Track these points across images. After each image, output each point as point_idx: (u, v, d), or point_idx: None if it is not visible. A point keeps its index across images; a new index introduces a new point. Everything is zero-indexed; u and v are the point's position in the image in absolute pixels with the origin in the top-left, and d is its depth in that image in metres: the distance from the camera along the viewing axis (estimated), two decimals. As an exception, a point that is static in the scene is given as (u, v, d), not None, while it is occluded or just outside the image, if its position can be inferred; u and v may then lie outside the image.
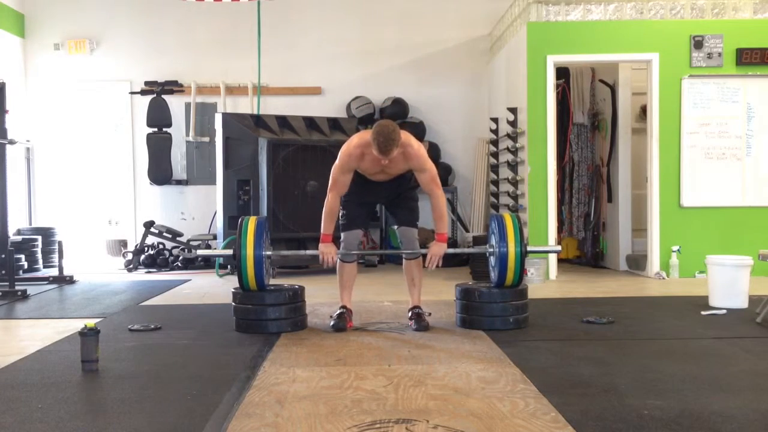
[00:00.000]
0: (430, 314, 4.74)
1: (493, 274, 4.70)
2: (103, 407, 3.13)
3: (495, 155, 8.61)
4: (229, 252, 4.61)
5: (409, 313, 4.72)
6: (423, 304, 4.78)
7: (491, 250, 4.70)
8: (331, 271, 5.01)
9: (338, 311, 4.67)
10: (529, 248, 4.69)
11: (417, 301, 4.73)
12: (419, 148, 4.48)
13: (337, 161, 4.54)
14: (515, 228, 4.51)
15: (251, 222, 4.54)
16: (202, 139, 9.45)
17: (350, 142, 4.51)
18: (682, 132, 7.19)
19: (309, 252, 4.99)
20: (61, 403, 3.10)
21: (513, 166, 7.69)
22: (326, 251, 4.55)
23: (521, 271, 4.53)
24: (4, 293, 6.21)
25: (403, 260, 4.81)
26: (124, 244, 9.19)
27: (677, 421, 2.72)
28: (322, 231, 4.55)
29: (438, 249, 4.56)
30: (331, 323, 4.60)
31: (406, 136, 4.39)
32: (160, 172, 9.22)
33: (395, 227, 4.83)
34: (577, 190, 8.25)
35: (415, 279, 4.75)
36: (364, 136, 4.44)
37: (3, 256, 6.54)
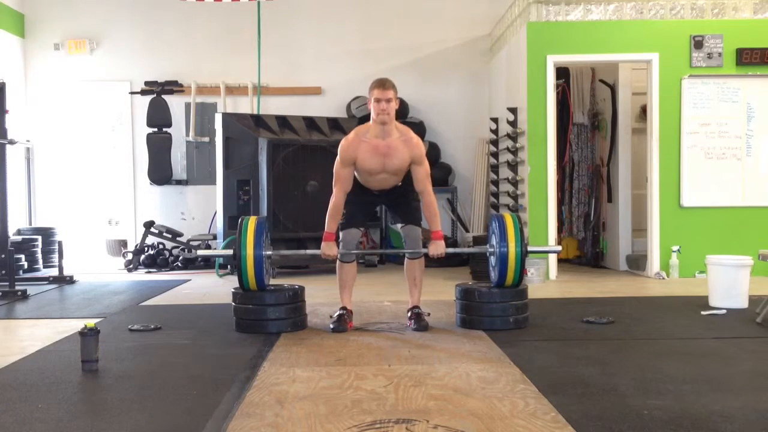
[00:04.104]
0: (429, 314, 4.74)
1: (494, 274, 4.71)
2: (103, 407, 3.13)
3: (495, 155, 8.61)
4: (229, 252, 4.62)
5: (409, 313, 4.72)
6: (423, 304, 4.78)
7: (491, 249, 4.71)
8: (331, 270, 5.01)
9: (338, 312, 4.66)
10: (529, 248, 4.70)
11: (417, 301, 4.73)
12: (419, 141, 4.56)
13: (337, 158, 4.56)
14: (516, 228, 4.52)
15: (251, 222, 4.54)
16: (202, 139, 9.44)
17: (347, 136, 4.61)
18: (682, 132, 7.19)
19: (309, 252, 4.99)
20: (61, 403, 3.10)
21: (513, 166, 7.68)
22: (328, 252, 4.57)
23: (521, 271, 4.54)
24: (4, 293, 6.21)
25: (406, 259, 4.80)
26: (124, 244, 9.19)
27: (677, 421, 2.72)
28: (325, 229, 4.56)
29: (437, 248, 4.58)
30: (331, 326, 4.59)
31: (406, 128, 4.56)
32: (160, 172, 9.22)
33: (399, 226, 4.80)
34: (577, 190, 8.25)
35: (416, 279, 4.74)
36: (359, 128, 4.58)
37: (3, 256, 6.53)
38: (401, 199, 4.74)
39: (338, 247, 4.64)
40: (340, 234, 4.70)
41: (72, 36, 9.43)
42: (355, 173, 4.61)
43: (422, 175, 4.53)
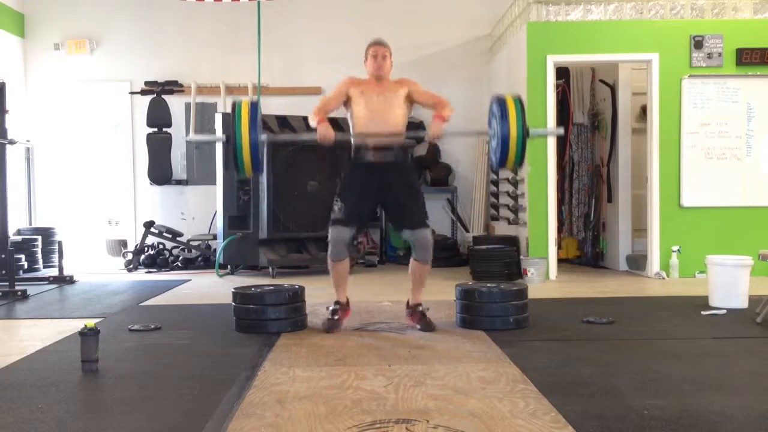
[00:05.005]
0: (428, 309, 4.70)
1: (494, 158, 4.53)
2: (103, 407, 3.13)
3: (495, 155, 8.59)
4: (223, 138, 4.53)
5: (409, 311, 4.68)
6: (425, 301, 4.73)
7: (492, 132, 4.50)
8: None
9: (332, 308, 4.61)
10: (531, 130, 4.42)
11: (418, 300, 4.67)
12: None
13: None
14: (517, 108, 4.32)
15: (244, 105, 4.31)
16: (202, 139, 9.44)
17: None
18: (682, 132, 7.19)
19: (305, 136, 4.84)
20: (61, 403, 3.10)
21: (513, 166, 7.67)
22: (325, 133, 4.42)
23: (523, 152, 4.34)
24: (4, 293, 6.21)
25: (412, 261, 4.61)
26: (124, 244, 9.19)
27: (677, 421, 2.72)
28: (316, 118, 4.46)
29: (438, 128, 4.45)
30: (324, 326, 4.52)
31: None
32: (160, 172, 9.21)
33: (407, 232, 4.54)
34: (577, 190, 8.25)
35: (421, 282, 4.64)
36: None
37: (3, 256, 6.54)
38: (403, 197, 4.55)
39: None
40: (330, 231, 4.52)
41: (72, 36, 9.42)
42: (353, 123, 4.56)
43: (426, 93, 4.66)
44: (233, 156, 4.31)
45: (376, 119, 4.51)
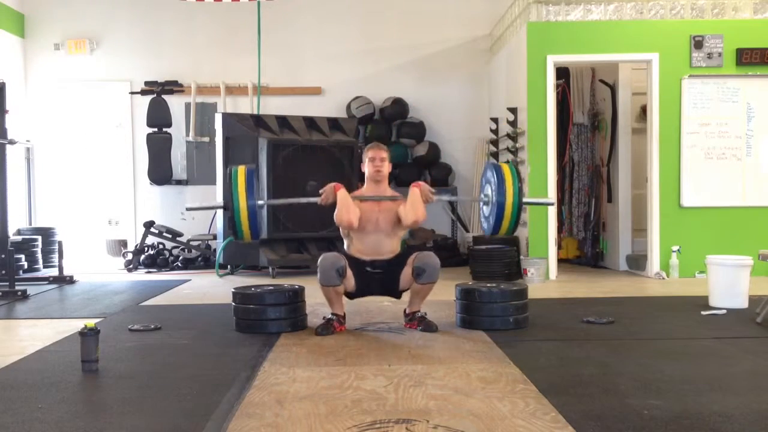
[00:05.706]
0: (425, 314, 4.69)
1: (486, 225, 4.61)
2: (103, 407, 3.13)
3: (495, 155, 8.61)
4: (221, 204, 4.59)
5: (408, 317, 4.66)
6: (423, 304, 4.72)
7: (485, 199, 4.58)
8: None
9: (329, 317, 4.58)
10: (524, 200, 4.54)
11: (418, 308, 4.65)
12: None
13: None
14: (513, 177, 4.41)
15: (240, 172, 4.38)
16: (202, 139, 9.44)
17: None
18: (682, 132, 7.19)
19: (303, 200, 4.97)
20: (61, 403, 3.10)
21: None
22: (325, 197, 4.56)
23: (517, 220, 4.44)
24: (4, 293, 6.21)
25: (417, 284, 4.53)
26: (124, 244, 9.19)
27: (677, 421, 2.72)
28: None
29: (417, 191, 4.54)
30: (317, 329, 4.50)
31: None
32: (160, 172, 9.22)
33: (411, 269, 4.50)
34: (577, 190, 8.25)
35: (424, 297, 4.63)
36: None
37: (3, 256, 6.54)
38: (397, 268, 4.57)
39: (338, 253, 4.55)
40: (321, 256, 4.51)
41: (72, 36, 9.42)
42: (349, 239, 4.61)
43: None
44: (231, 223, 4.42)
45: (373, 251, 4.58)
